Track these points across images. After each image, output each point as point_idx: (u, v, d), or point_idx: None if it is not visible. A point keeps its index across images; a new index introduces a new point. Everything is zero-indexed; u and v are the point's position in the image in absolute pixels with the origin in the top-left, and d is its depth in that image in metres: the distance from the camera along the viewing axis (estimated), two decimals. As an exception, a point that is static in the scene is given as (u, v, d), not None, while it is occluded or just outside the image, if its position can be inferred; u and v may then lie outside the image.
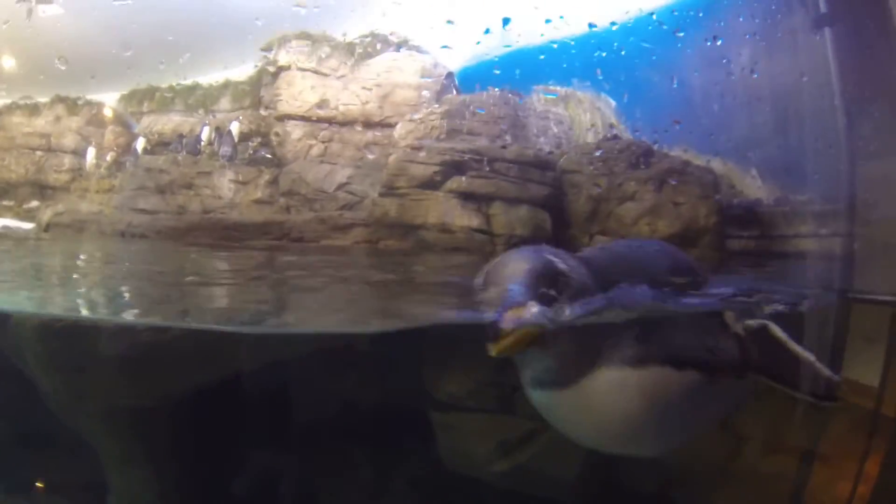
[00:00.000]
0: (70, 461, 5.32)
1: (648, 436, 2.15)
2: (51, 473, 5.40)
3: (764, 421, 3.70)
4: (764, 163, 5.89)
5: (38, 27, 9.15)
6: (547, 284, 1.87)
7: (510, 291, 1.81)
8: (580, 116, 7.02)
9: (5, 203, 10.75)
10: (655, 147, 5.69)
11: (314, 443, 5.17)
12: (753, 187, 6.01)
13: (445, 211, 4.97)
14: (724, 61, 6.08)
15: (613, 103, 7.13)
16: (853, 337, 3.89)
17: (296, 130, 8.01)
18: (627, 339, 1.98)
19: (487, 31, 7.22)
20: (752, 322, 2.29)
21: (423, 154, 5.33)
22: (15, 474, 5.32)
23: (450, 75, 7.61)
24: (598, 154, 5.30)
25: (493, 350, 1.70)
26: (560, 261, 1.97)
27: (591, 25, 7.13)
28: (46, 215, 8.88)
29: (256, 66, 9.17)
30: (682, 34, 6.52)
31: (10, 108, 11.50)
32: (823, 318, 3.73)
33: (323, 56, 8.14)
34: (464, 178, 5.08)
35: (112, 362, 4.47)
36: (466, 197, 5.02)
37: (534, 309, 1.75)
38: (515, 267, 1.93)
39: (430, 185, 5.18)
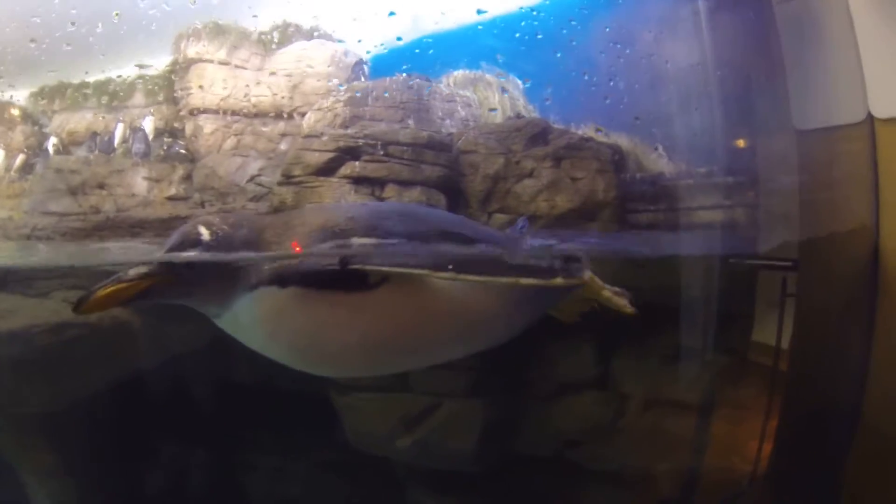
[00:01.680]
0: None
1: (303, 351, 2.46)
2: None
3: (640, 380, 3.84)
4: (668, 140, 6.01)
5: None
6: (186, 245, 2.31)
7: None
8: (489, 99, 7.01)
9: (-88, 213, 10.34)
10: (556, 125, 5.71)
11: (221, 433, 5.12)
12: (660, 163, 6.07)
13: (339, 196, 4.89)
14: (630, 42, 6.22)
15: (521, 85, 7.14)
16: (759, 302, 4.00)
17: (208, 124, 7.81)
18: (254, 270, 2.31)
19: (392, 14, 7.18)
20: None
21: (318, 142, 5.25)
22: None
23: (359, 63, 7.53)
24: (496, 133, 5.27)
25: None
26: (211, 226, 2.40)
27: (514, 8, 7.19)
28: (-49, 223, 8.56)
29: (170, 59, 8.97)
30: (588, 15, 6.64)
31: (-89, 113, 11.07)
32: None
33: (233, 47, 7.98)
34: (357, 164, 5.00)
35: (9, 369, 4.34)
36: (360, 181, 4.94)
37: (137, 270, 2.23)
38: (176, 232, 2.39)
39: (325, 171, 5.09)
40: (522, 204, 4.97)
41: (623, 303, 2.46)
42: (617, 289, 2.50)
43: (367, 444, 4.45)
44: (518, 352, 3.96)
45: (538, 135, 5.22)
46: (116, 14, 7.79)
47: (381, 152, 4.98)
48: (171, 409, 4.91)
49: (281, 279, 2.26)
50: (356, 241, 2.29)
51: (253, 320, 2.35)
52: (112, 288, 2.22)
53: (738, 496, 3.72)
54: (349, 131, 5.22)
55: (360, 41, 7.87)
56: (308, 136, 5.36)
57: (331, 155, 5.09)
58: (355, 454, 4.58)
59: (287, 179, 5.25)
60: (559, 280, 2.21)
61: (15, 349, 4.47)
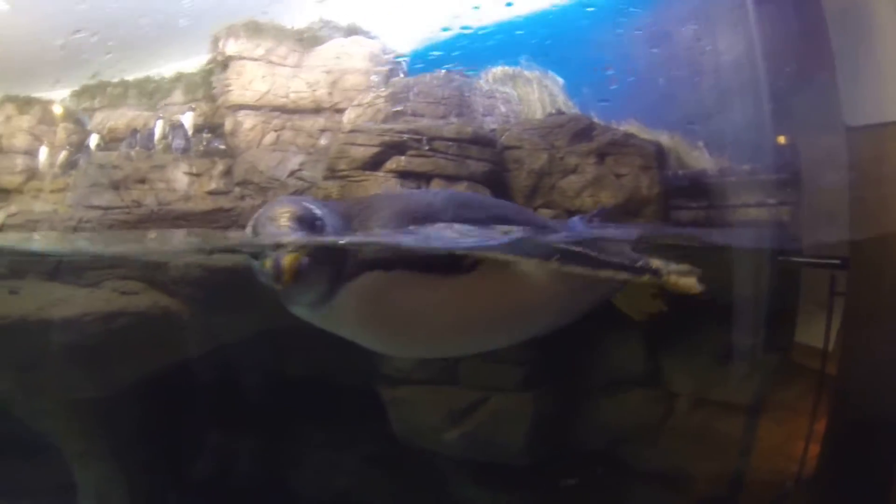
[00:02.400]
0: (36, 464, 5.29)
1: (402, 334, 2.53)
2: (17, 479, 5.36)
3: (691, 378, 3.81)
4: (710, 136, 6.00)
5: None
6: (305, 225, 2.28)
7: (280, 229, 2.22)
8: (528, 95, 7.04)
9: (-42, 208, 10.60)
10: (599, 121, 5.72)
11: (268, 423, 5.20)
12: (701, 160, 6.08)
13: (385, 190, 4.98)
14: (669, 37, 6.25)
15: (561, 81, 7.16)
16: (805, 302, 3.97)
17: (247, 120, 7.95)
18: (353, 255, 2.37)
19: (428, 12, 7.29)
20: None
21: (363, 136, 5.31)
22: None
23: (398, 59, 7.62)
24: (539, 129, 5.30)
25: (282, 284, 2.14)
26: (315, 206, 2.39)
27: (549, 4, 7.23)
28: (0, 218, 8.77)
29: (208, 57, 9.12)
30: (628, 11, 6.64)
31: (-41, 111, 11.35)
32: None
33: (272, 45, 8.10)
34: (403, 158, 5.05)
35: (63, 355, 4.45)
36: (405, 176, 5.00)
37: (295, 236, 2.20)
38: (278, 211, 2.33)
39: (371, 166, 5.15)
40: (567, 199, 4.99)
41: (692, 282, 2.46)
42: (684, 267, 2.50)
43: (415, 438, 4.49)
44: (568, 346, 3.98)
45: (582, 131, 5.24)
46: (142, 18, 8.00)
47: (427, 147, 5.02)
48: (219, 398, 5.01)
49: (387, 263, 2.35)
50: (439, 226, 2.38)
51: (356, 303, 2.39)
52: (288, 258, 2.20)
53: (783, 498, 3.69)
54: (394, 126, 5.26)
55: (397, 38, 7.99)
56: (353, 131, 5.41)
57: (376, 149, 5.14)
58: (402, 447, 4.62)
59: (332, 174, 5.32)
60: (646, 278, 2.35)
61: (68, 336, 4.58)
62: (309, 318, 2.58)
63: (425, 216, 2.44)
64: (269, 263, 2.16)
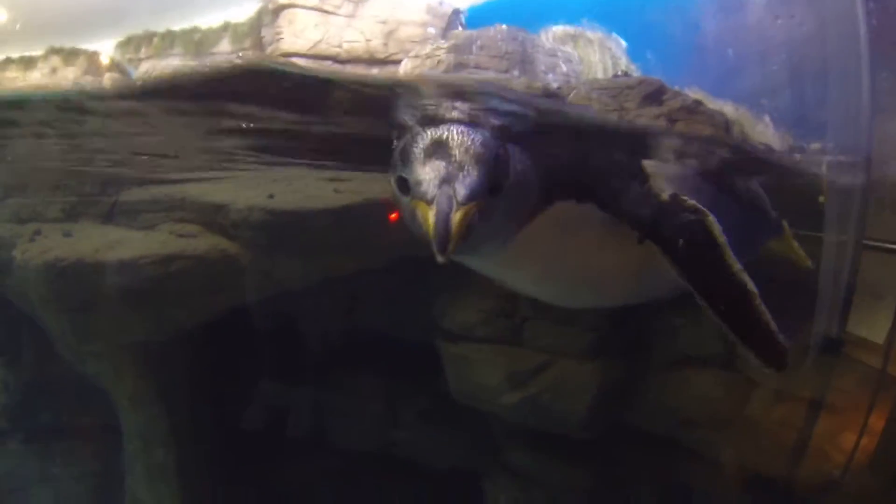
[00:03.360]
0: (84, 405, 5.36)
1: (573, 276, 2.42)
2: (65, 418, 5.45)
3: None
4: (777, 111, 5.78)
5: None
6: (497, 177, 1.97)
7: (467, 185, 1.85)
8: (590, 56, 6.91)
9: (4, 156, 10.72)
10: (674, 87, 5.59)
11: (323, 375, 5.18)
12: (766, 134, 5.94)
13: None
14: (740, 7, 6.00)
15: (624, 44, 7.03)
16: (861, 293, 3.84)
17: (299, 69, 7.90)
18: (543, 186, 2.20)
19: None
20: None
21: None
22: (30, 422, 5.37)
23: (456, 12, 7.52)
24: (608, 89, 5.18)
25: (444, 254, 1.77)
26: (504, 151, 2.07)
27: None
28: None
29: (259, 5, 9.05)
30: None
31: (4, 64, 11.40)
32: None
33: (325, -8, 8.01)
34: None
35: (117, 298, 4.47)
36: (474, 128, 4.95)
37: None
38: (454, 138, 1.95)
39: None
40: None
41: (803, 254, 2.40)
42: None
43: (471, 397, 4.40)
44: (642, 316, 3.86)
45: (652, 94, 5.08)
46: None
47: (495, 101, 4.93)
48: (274, 347, 5.01)
49: (580, 193, 2.24)
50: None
51: (534, 240, 2.25)
52: (459, 217, 1.81)
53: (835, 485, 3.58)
54: (462, 79, 5.17)
55: (455, -8, 7.86)
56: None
57: (442, 102, 5.05)
58: (456, 406, 4.55)
59: (394, 126, 5.23)
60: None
61: (123, 279, 4.60)
62: (471, 263, 2.45)
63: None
64: (430, 220, 1.79)
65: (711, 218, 2.15)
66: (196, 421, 5.12)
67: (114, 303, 4.66)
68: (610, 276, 2.39)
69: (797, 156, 5.47)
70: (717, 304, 2.14)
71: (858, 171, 4.68)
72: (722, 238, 2.12)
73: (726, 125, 5.31)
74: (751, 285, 2.11)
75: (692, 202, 2.20)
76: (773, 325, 2.10)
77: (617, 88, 5.21)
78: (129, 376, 5.15)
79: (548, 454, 4.36)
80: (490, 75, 5.35)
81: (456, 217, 1.75)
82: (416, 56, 6.59)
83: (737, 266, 2.10)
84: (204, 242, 4.75)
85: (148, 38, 10.39)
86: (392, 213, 2.27)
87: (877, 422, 3.46)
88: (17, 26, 10.15)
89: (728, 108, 5.85)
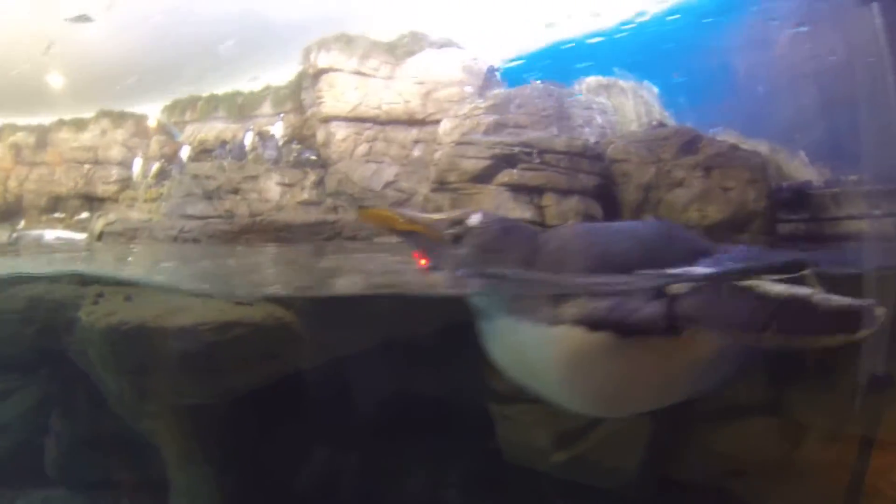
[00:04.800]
0: (133, 461, 5.64)
1: (578, 393, 2.36)
2: (114, 473, 5.74)
3: (823, 410, 3.71)
4: (812, 145, 6.08)
5: (80, 47, 9.68)
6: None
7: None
8: (624, 105, 7.22)
9: (57, 216, 11.32)
10: (706, 132, 5.85)
11: (374, 438, 5.38)
12: (802, 170, 6.17)
13: (498, 204, 5.22)
14: (767, 43, 6.25)
15: (656, 90, 7.34)
16: None
17: (340, 131, 8.31)
18: (550, 300, 2.20)
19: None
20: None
21: (472, 149, 5.56)
22: (78, 474, 5.67)
23: (491, 70, 7.86)
24: (644, 142, 5.48)
25: None
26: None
27: (637, 13, 7.35)
28: (98, 224, 9.34)
29: (299, 69, 9.54)
30: (723, 17, 6.71)
31: (58, 125, 12.12)
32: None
33: (363, 57, 8.40)
34: (515, 171, 5.35)
35: (176, 361, 4.75)
36: (518, 189, 5.27)
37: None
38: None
39: (482, 178, 5.44)
40: (675, 213, 5.22)
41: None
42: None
43: (520, 457, 4.50)
44: None
45: (687, 143, 5.46)
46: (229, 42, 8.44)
47: (538, 160, 5.24)
48: (326, 411, 5.23)
49: (592, 323, 2.11)
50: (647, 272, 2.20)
51: (545, 356, 2.24)
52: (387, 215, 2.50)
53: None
54: (505, 139, 5.53)
55: (488, 50, 8.24)
56: (461, 143, 5.72)
57: (487, 162, 5.43)
58: (506, 466, 4.65)
59: (441, 186, 5.63)
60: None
61: (182, 344, 4.88)
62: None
63: (628, 262, 2.23)
64: None
65: None
66: (243, 482, 5.32)
67: (172, 367, 4.93)
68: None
69: (836, 189, 5.51)
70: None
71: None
72: None
73: (763, 166, 5.55)
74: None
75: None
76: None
77: (653, 140, 5.50)
78: (181, 436, 5.37)
79: None
80: (534, 134, 5.65)
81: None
82: (455, 116, 6.93)
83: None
84: (261, 310, 5.02)
85: (193, 102, 11.05)
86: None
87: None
88: (70, 90, 10.90)
89: (763, 147, 6.17)
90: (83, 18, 9.57)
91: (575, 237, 2.61)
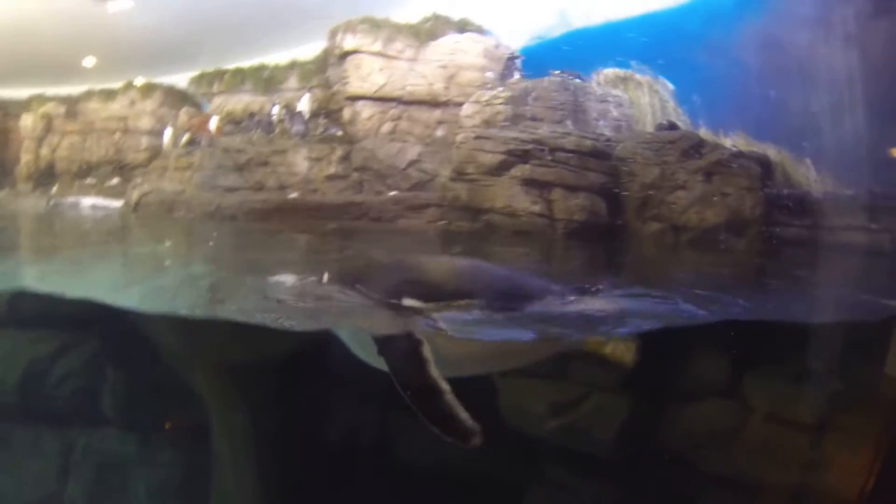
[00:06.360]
0: (179, 406, 6.47)
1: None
2: (162, 416, 6.59)
3: (768, 395, 4.39)
4: (819, 152, 6.21)
5: (109, 21, 10.46)
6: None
7: None
8: (640, 99, 7.81)
9: (88, 181, 12.21)
10: (708, 137, 6.42)
11: (391, 397, 6.08)
12: (807, 177, 6.54)
13: (511, 196, 5.95)
14: (781, 47, 6.57)
15: (671, 87, 7.84)
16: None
17: (365, 110, 8.99)
18: None
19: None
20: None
21: (489, 143, 6.27)
22: (131, 416, 6.53)
23: (512, 57, 8.48)
24: (651, 143, 6.13)
25: None
26: None
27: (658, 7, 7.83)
28: (134, 195, 10.15)
29: (325, 47, 10.20)
30: (738, 17, 7.16)
31: (88, 95, 12.97)
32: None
33: (388, 39, 9.04)
34: (527, 166, 6.07)
35: (226, 328, 5.47)
36: (530, 183, 6.00)
37: None
38: None
39: (497, 171, 6.15)
40: (675, 215, 5.87)
41: (624, 353, 3.30)
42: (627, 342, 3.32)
43: (519, 422, 5.14)
44: (662, 355, 4.69)
45: (692, 148, 6.12)
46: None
47: (549, 157, 5.94)
48: (348, 373, 5.97)
49: None
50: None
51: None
52: None
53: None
54: (519, 135, 6.23)
55: (507, 33, 8.83)
56: (479, 137, 6.41)
57: (502, 157, 6.16)
58: (506, 428, 5.33)
59: (460, 176, 6.34)
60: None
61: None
62: None
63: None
64: None
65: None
66: (278, 429, 6.07)
67: (222, 331, 5.65)
68: None
69: (835, 200, 5.92)
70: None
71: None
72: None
73: (766, 171, 6.16)
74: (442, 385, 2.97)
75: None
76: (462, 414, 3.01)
77: (659, 143, 6.17)
78: (225, 388, 6.12)
79: (580, 473, 5.10)
80: (546, 131, 6.31)
81: None
82: (477, 102, 7.59)
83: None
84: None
85: (220, 74, 11.80)
86: None
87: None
88: (98, 61, 11.74)
89: (771, 151, 6.69)
90: (109, -3, 10.37)
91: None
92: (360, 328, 3.43)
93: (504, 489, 5.27)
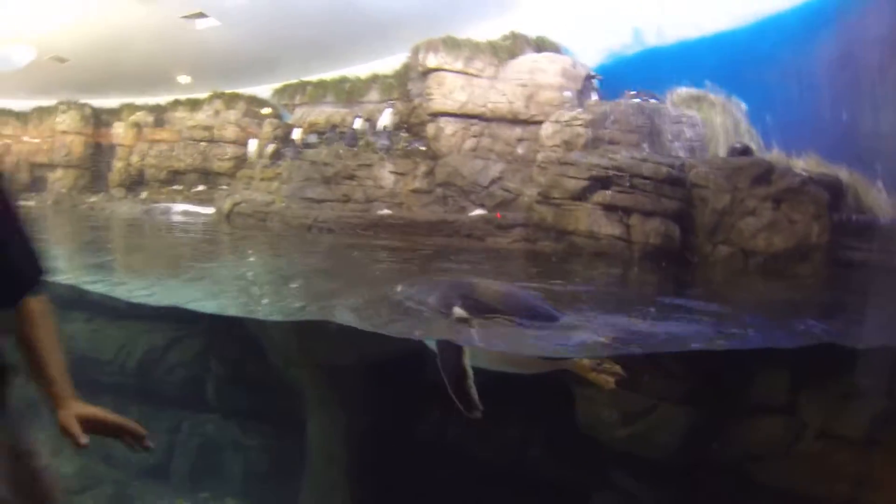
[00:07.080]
0: (278, 400, 7.27)
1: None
2: (260, 406, 7.40)
3: (821, 412, 4.87)
4: (891, 175, 6.46)
5: (196, 38, 11.55)
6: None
7: None
8: (713, 118, 8.40)
9: (176, 188, 13.37)
10: (778, 162, 6.92)
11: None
12: (879, 200, 6.79)
13: (593, 220, 6.68)
14: (854, 68, 6.88)
15: (745, 106, 8.35)
16: None
17: (448, 126, 9.85)
18: None
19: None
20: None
21: (573, 169, 7.01)
22: (231, 405, 7.40)
23: (589, 76, 9.19)
24: (723, 169, 6.71)
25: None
26: None
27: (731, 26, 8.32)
28: (227, 204, 11.17)
29: (406, 62, 11.02)
30: (810, 37, 7.48)
31: (174, 105, 14.16)
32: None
33: (469, 58, 9.82)
34: (608, 192, 6.81)
35: (332, 333, 6.14)
36: (610, 208, 6.74)
37: None
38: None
39: (580, 196, 6.90)
40: (744, 240, 6.39)
41: (606, 379, 4.05)
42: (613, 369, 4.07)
43: (591, 429, 5.52)
44: (724, 372, 5.25)
45: (762, 175, 6.63)
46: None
47: (628, 184, 6.64)
48: (434, 378, 6.60)
49: None
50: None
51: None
52: None
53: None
54: (600, 161, 6.94)
55: (583, 52, 9.51)
56: (564, 164, 7.17)
57: (585, 183, 6.90)
58: (579, 435, 5.57)
59: (545, 199, 7.09)
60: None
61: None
62: None
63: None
64: None
65: None
66: (369, 426, 6.74)
67: (327, 336, 6.34)
68: None
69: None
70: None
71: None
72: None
73: (836, 194, 6.57)
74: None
75: None
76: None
77: (730, 168, 6.75)
78: (323, 386, 6.81)
79: (643, 478, 5.48)
80: (625, 157, 6.94)
81: None
82: (557, 122, 8.31)
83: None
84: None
85: (302, 86, 12.79)
86: None
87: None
88: (186, 74, 12.87)
89: (842, 173, 7.03)
90: (198, 15, 11.42)
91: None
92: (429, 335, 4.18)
93: (571, 492, 5.92)
